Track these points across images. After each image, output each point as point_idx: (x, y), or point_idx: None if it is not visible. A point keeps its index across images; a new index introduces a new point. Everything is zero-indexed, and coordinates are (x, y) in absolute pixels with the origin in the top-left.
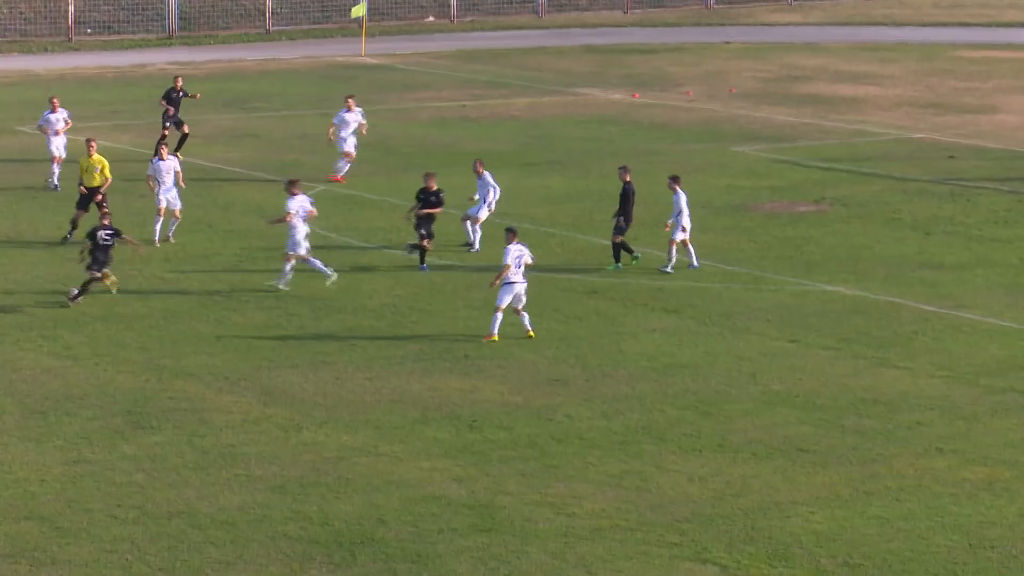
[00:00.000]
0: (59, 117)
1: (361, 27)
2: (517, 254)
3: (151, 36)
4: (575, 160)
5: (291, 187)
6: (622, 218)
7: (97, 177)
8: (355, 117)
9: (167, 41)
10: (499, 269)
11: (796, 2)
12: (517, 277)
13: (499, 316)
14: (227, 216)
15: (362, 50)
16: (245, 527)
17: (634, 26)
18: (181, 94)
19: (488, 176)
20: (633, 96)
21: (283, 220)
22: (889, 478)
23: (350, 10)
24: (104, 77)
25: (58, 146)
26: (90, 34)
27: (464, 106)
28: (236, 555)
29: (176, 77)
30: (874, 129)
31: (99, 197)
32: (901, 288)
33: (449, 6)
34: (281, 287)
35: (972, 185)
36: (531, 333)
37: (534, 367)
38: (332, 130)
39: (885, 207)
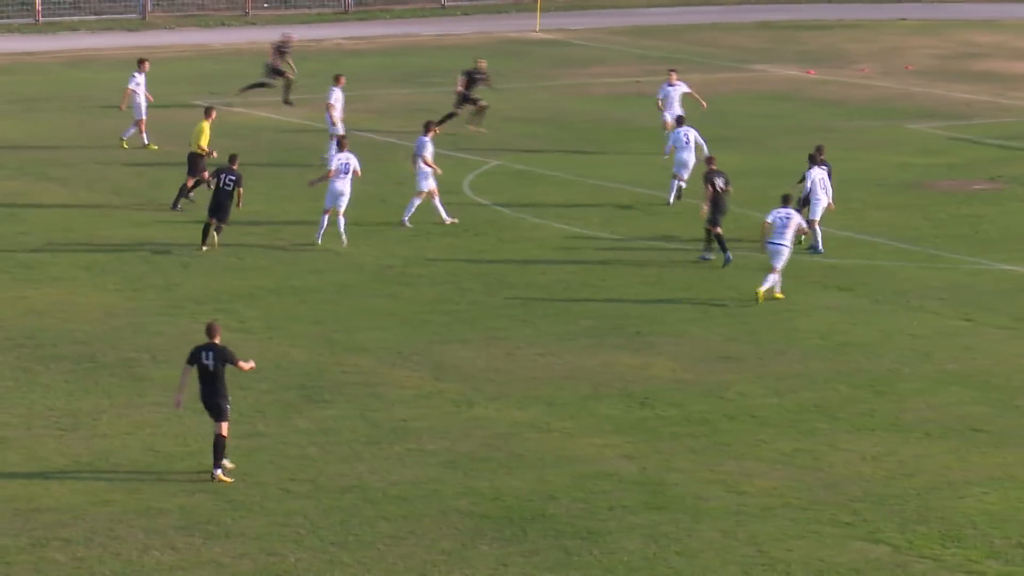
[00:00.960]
0: (340, 95)
1: (536, 2)
2: (784, 215)
3: (327, 10)
4: (749, 137)
5: (340, 143)
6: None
7: (205, 140)
8: (680, 89)
9: (342, 15)
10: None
11: None
12: (781, 239)
13: (771, 276)
14: (401, 191)
15: (536, 25)
16: (417, 502)
17: (809, 2)
18: (479, 75)
19: (685, 131)
20: (808, 73)
21: (325, 177)
22: None
23: None
24: None
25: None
26: (267, 8)
27: (638, 82)
28: (408, 530)
29: (479, 60)
30: None
31: (213, 154)
32: None
33: None
34: (318, 241)
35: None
36: (761, 293)
37: (706, 344)
38: (659, 104)
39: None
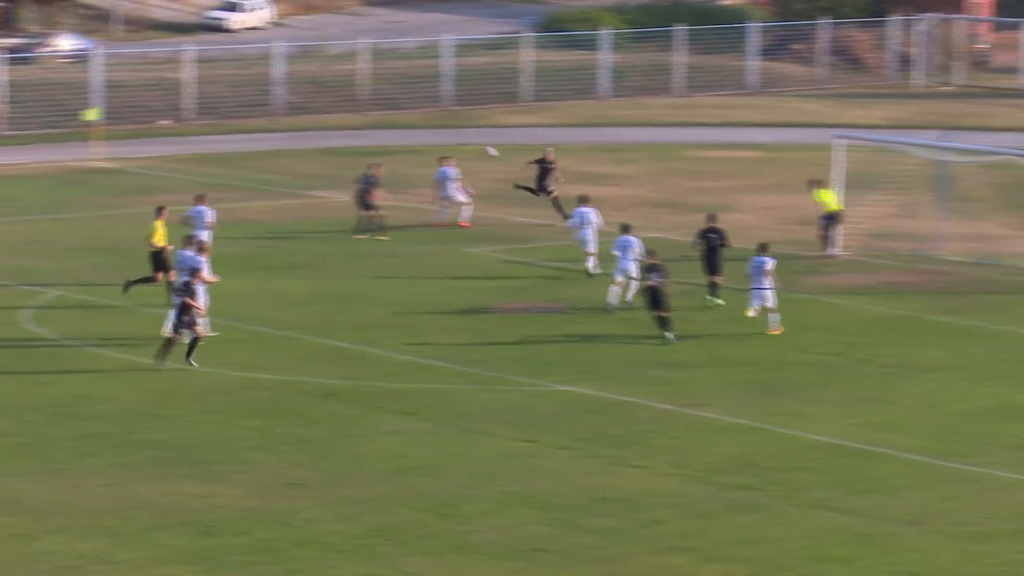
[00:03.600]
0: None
1: (94, 131)
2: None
3: None
4: (313, 263)
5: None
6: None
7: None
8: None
9: None
10: None
11: (533, 103)
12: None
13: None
14: None
15: (96, 154)
16: None
17: (371, 128)
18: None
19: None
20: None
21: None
22: None
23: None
24: None
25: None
26: None
27: None
28: None
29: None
30: (610, 229)
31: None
32: (637, 387)
33: (184, 109)
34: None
35: (704, 284)
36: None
37: (271, 471)
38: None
39: (621, 305)
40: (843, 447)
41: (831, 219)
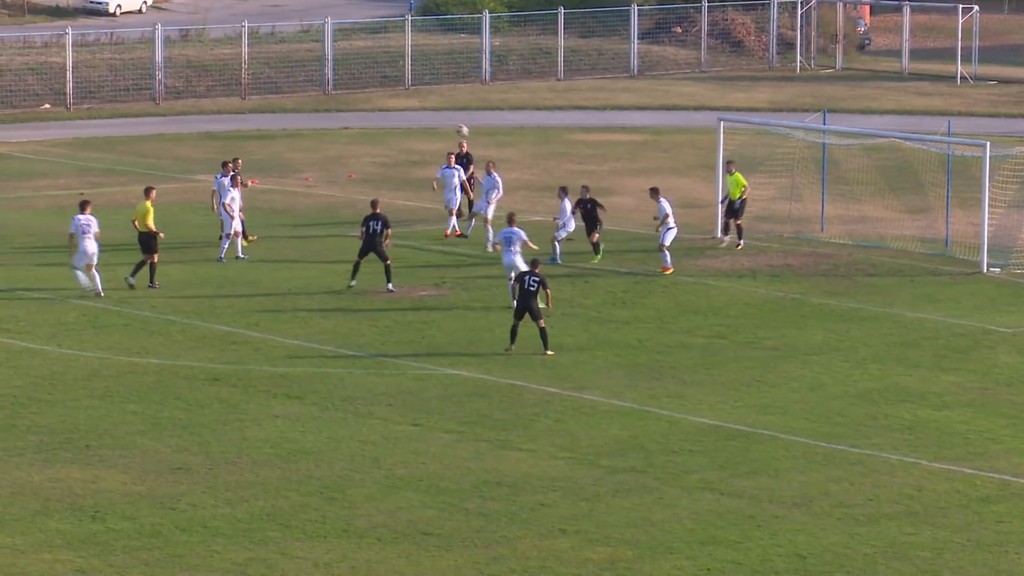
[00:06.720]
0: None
1: None
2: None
3: None
4: (196, 248)
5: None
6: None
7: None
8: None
9: None
10: None
11: (413, 87)
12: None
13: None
14: None
15: None
16: None
17: (252, 112)
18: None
19: (496, 175)
20: (252, 182)
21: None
22: (513, 560)
23: None
24: None
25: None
26: None
27: (83, 194)
28: None
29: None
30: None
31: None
32: (522, 370)
33: (65, 94)
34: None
35: (590, 267)
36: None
37: (157, 455)
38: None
39: (503, 291)
40: (727, 429)
41: (736, 205)
